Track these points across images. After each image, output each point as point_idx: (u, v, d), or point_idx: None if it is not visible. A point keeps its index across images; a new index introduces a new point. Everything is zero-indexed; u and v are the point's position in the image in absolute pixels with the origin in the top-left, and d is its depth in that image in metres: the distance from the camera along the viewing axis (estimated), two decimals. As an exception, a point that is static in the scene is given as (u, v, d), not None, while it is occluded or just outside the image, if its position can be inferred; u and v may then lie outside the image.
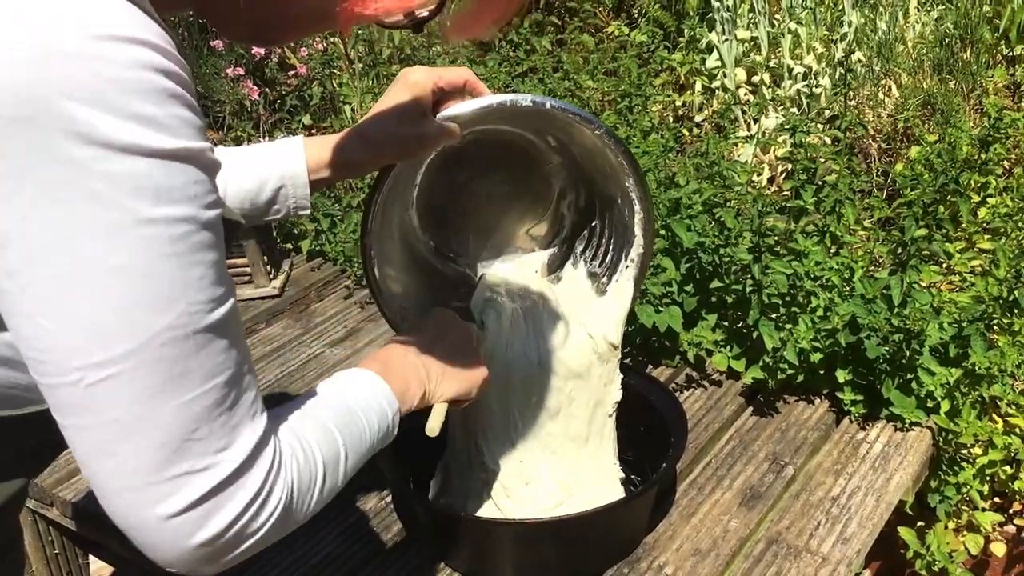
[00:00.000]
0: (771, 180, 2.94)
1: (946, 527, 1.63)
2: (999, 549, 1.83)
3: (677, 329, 1.71)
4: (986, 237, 2.12)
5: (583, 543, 1.31)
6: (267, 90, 3.40)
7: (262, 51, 3.38)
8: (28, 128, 0.54)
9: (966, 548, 1.66)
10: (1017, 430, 1.66)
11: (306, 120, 3.35)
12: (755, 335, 1.64)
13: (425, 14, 0.74)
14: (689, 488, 1.47)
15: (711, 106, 3.30)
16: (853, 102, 3.10)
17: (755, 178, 2.81)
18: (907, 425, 1.57)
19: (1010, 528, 1.86)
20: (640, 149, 2.02)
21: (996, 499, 1.82)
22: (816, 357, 1.59)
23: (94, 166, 0.56)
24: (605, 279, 1.35)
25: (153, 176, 0.57)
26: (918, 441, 1.55)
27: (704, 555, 1.33)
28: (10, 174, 0.55)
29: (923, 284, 1.71)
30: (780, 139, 2.74)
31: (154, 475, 0.62)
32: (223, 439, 0.64)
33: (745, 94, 3.28)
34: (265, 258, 2.17)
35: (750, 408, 1.66)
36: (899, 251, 1.72)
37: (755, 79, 3.31)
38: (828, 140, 2.53)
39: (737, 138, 2.43)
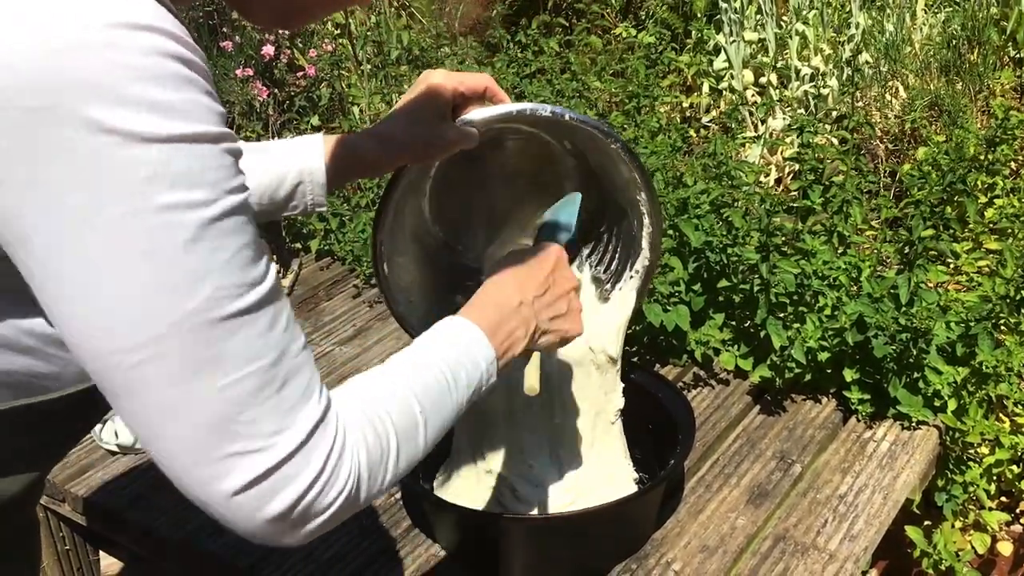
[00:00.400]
0: (778, 181, 2.94)
1: (953, 526, 1.64)
2: (1006, 548, 1.83)
3: (685, 328, 1.72)
4: (993, 237, 2.12)
5: (591, 539, 1.32)
6: (276, 91, 3.41)
7: (271, 52, 3.40)
8: (45, 119, 0.55)
9: (973, 547, 1.67)
10: (1024, 429, 1.67)
11: (315, 121, 3.36)
12: (763, 334, 1.65)
13: None
14: (697, 485, 1.47)
15: (718, 107, 3.31)
16: (860, 103, 3.10)
17: (762, 178, 2.82)
18: (914, 424, 1.57)
19: (1017, 527, 1.86)
20: (648, 149, 2.02)
21: (1003, 498, 1.83)
22: (823, 356, 1.60)
23: (112, 154, 0.56)
24: (609, 286, 1.36)
25: (172, 162, 0.57)
26: (925, 440, 1.55)
27: (712, 552, 1.34)
28: (29, 164, 0.56)
29: (930, 284, 1.71)
30: (787, 140, 2.75)
31: (206, 455, 0.62)
32: (276, 422, 0.64)
33: (752, 95, 3.29)
34: (274, 257, 2.19)
35: (757, 406, 1.66)
36: (906, 251, 1.72)
37: (762, 80, 3.31)
38: (835, 141, 2.53)
39: (744, 139, 2.44)
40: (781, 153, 2.92)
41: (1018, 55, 3.23)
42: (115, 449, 1.63)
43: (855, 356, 1.61)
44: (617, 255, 1.35)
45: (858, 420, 1.60)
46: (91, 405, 0.76)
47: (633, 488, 1.39)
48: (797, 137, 1.95)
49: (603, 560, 1.33)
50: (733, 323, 1.76)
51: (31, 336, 0.67)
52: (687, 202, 1.80)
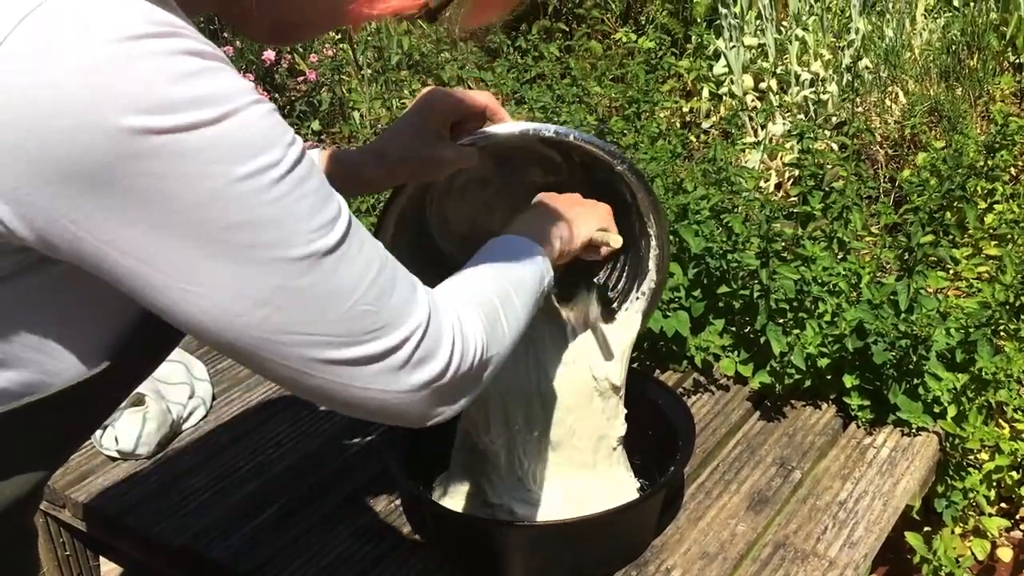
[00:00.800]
0: (778, 186, 2.95)
1: (953, 532, 1.64)
2: (1006, 554, 1.83)
3: (685, 334, 1.72)
4: (993, 243, 2.12)
5: (591, 546, 1.32)
6: (277, 96, 3.41)
7: (272, 57, 3.40)
8: (94, 146, 0.57)
9: (973, 553, 1.67)
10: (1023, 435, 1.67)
11: (315, 126, 3.37)
12: (762, 340, 1.65)
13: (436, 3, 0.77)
14: (697, 492, 1.47)
15: (718, 112, 3.31)
16: (860, 108, 3.11)
17: (762, 184, 2.82)
18: (914, 430, 1.57)
19: (1017, 534, 1.86)
20: (648, 155, 2.03)
21: (1003, 504, 1.83)
22: (823, 362, 1.60)
23: (172, 150, 0.59)
24: (615, 305, 1.36)
25: (229, 139, 0.61)
26: (925, 446, 1.55)
27: (712, 559, 1.34)
28: (94, 187, 0.59)
29: (930, 290, 1.71)
30: (787, 145, 2.75)
31: (359, 364, 0.70)
32: (402, 315, 0.72)
33: (752, 100, 3.29)
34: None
35: (757, 413, 1.66)
36: (906, 257, 1.72)
37: (762, 85, 3.32)
38: (835, 146, 2.53)
39: (744, 144, 2.44)
40: (781, 159, 2.92)
41: (1018, 60, 3.24)
42: (115, 455, 1.64)
43: (855, 362, 1.61)
44: (624, 274, 1.35)
45: (858, 426, 1.61)
46: (89, 402, 0.76)
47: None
48: (797, 143, 1.96)
49: (603, 567, 1.33)
50: (733, 329, 1.76)
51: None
52: (687, 208, 1.80)
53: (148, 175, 0.59)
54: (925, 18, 3.50)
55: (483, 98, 1.10)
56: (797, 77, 3.22)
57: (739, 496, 1.46)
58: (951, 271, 2.02)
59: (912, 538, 1.53)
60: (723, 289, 1.72)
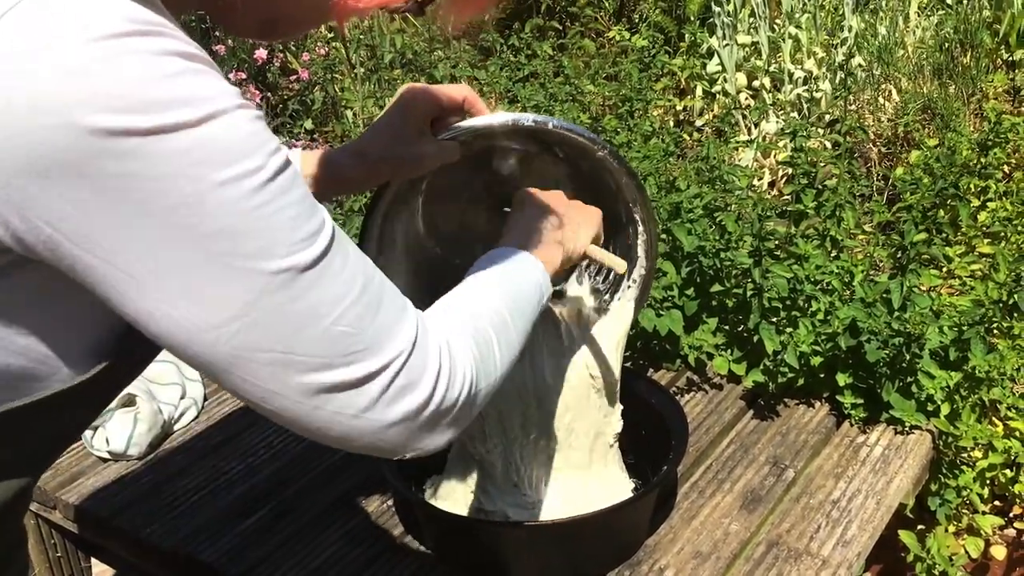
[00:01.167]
0: (772, 184, 2.95)
1: (946, 530, 1.64)
2: (999, 552, 1.83)
3: (678, 333, 1.71)
4: (986, 241, 2.12)
5: (584, 545, 1.32)
6: (269, 95, 3.41)
7: (264, 56, 3.40)
8: (73, 145, 0.56)
9: (966, 551, 1.67)
10: (1017, 433, 1.67)
11: (308, 125, 3.36)
12: (756, 339, 1.65)
13: None
14: (690, 491, 1.47)
15: (712, 110, 3.31)
16: (853, 106, 3.11)
17: (755, 182, 2.82)
18: (907, 428, 1.57)
19: (1010, 532, 1.86)
20: (641, 153, 2.02)
21: (996, 502, 1.83)
22: (816, 361, 1.60)
23: (150, 152, 0.58)
24: (607, 296, 1.35)
25: (210, 143, 0.59)
26: (918, 444, 1.55)
27: (705, 558, 1.33)
28: (72, 188, 0.57)
29: (923, 288, 1.71)
30: (780, 143, 2.75)
31: (332, 392, 0.66)
32: (384, 340, 0.68)
33: (746, 99, 3.29)
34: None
35: (751, 411, 1.66)
36: (899, 255, 1.72)
37: (756, 84, 3.32)
38: (828, 144, 2.53)
39: (738, 142, 2.44)
40: (774, 157, 2.92)
41: (1011, 58, 3.24)
42: (106, 456, 1.63)
43: (848, 360, 1.61)
44: None
45: (851, 425, 1.60)
46: (77, 406, 0.75)
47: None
48: (790, 141, 1.95)
49: (596, 566, 1.33)
50: (726, 328, 1.76)
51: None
52: (680, 206, 1.80)
53: (124, 176, 0.58)
54: (918, 16, 3.50)
55: (461, 91, 1.09)
56: (790, 75, 3.22)
57: (732, 495, 1.46)
58: (944, 269, 2.02)
59: (906, 536, 1.53)
60: (716, 288, 1.72)
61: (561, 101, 2.65)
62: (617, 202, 1.26)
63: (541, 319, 1.32)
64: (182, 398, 1.72)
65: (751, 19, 3.43)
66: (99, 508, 1.54)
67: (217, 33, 3.46)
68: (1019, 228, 2.03)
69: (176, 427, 1.71)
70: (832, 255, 1.79)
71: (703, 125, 3.26)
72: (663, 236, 1.77)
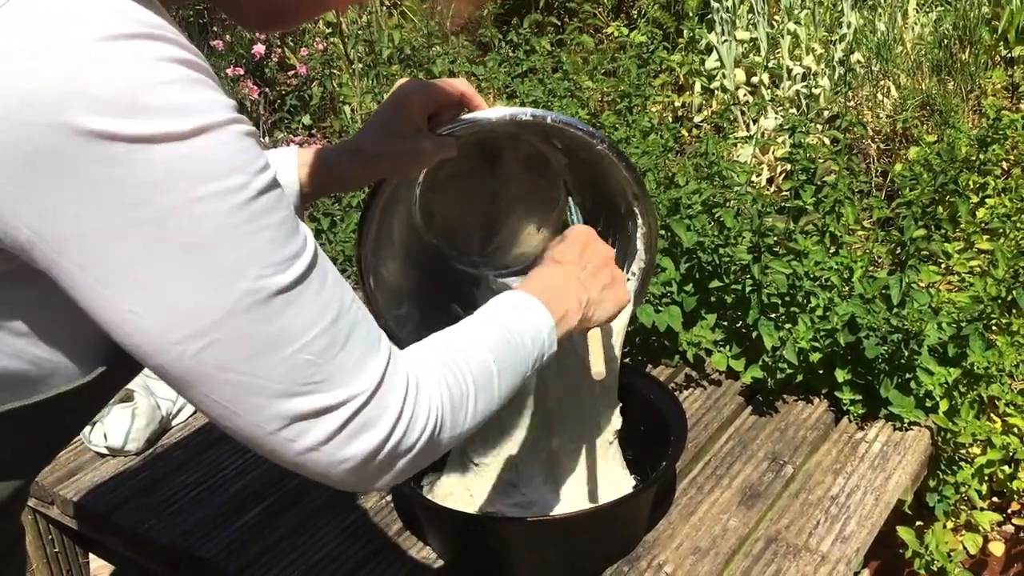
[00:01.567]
0: (770, 180, 2.94)
1: (945, 526, 1.64)
2: (997, 548, 1.83)
3: (677, 329, 1.71)
4: (985, 237, 2.12)
5: (583, 541, 1.32)
6: (267, 90, 3.40)
7: (262, 51, 3.39)
8: (59, 137, 0.55)
9: (964, 548, 1.67)
10: (1015, 430, 1.67)
11: (306, 120, 3.35)
12: (754, 335, 1.65)
13: None
14: (689, 487, 1.47)
15: (710, 107, 3.31)
16: (852, 103, 3.11)
17: (754, 178, 2.82)
18: (906, 425, 1.57)
19: (1008, 528, 1.86)
20: (640, 149, 2.02)
21: (994, 499, 1.83)
22: (815, 357, 1.60)
23: (134, 159, 0.57)
24: None
25: (197, 156, 0.58)
26: (917, 441, 1.55)
27: (704, 554, 1.33)
28: (54, 182, 0.56)
29: (922, 284, 1.71)
30: (779, 139, 2.75)
31: (285, 421, 0.65)
32: (348, 376, 0.67)
33: (744, 95, 3.29)
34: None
35: (749, 407, 1.66)
36: (898, 251, 1.72)
37: (754, 80, 3.31)
38: (827, 140, 2.53)
39: (736, 138, 2.43)
40: (773, 153, 2.92)
41: (1009, 55, 3.24)
42: (104, 451, 1.63)
43: (847, 357, 1.61)
44: (615, 254, 1.34)
45: (850, 421, 1.60)
46: (80, 405, 0.75)
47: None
48: (789, 137, 1.95)
49: (594, 562, 1.33)
50: (725, 324, 1.76)
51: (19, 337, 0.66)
52: (679, 202, 1.80)
53: (107, 181, 0.57)
54: (917, 12, 3.50)
55: (458, 85, 1.08)
56: (789, 71, 3.21)
57: (731, 491, 1.46)
58: (943, 265, 2.02)
59: (904, 532, 1.53)
60: (715, 284, 1.71)
61: (559, 97, 2.64)
62: (616, 195, 1.25)
63: None
64: (180, 393, 1.72)
65: (750, 15, 3.42)
66: (97, 503, 1.54)
67: (215, 29, 3.46)
68: (1018, 224, 2.03)
69: (174, 422, 1.70)
70: (831, 251, 1.79)
71: (702, 121, 3.26)
72: (662, 232, 1.76)
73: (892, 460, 1.51)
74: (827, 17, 3.41)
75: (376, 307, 1.25)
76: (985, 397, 1.62)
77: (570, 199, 1.24)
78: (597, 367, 1.05)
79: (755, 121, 3.08)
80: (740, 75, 3.32)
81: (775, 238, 1.72)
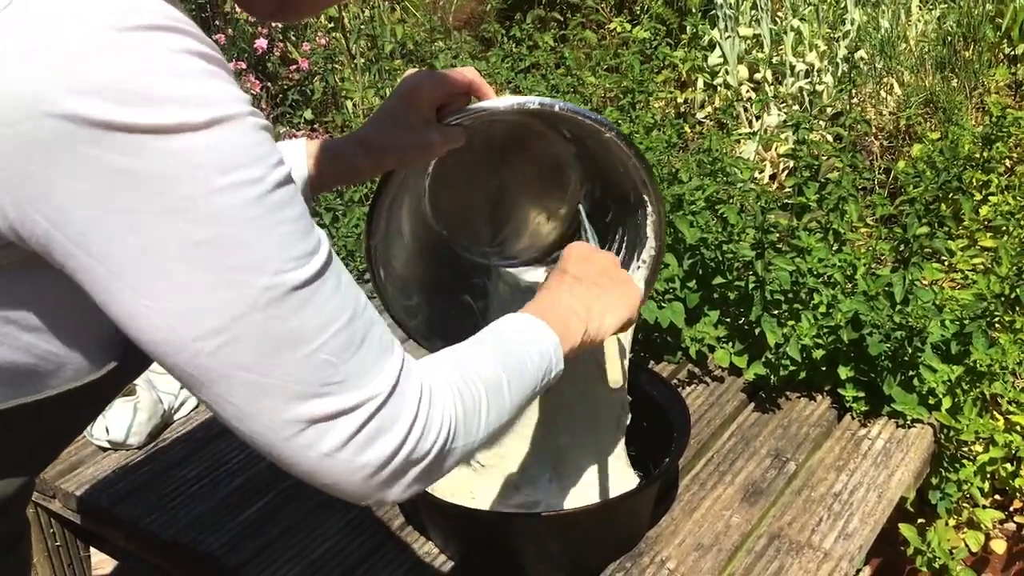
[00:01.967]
0: (773, 177, 2.94)
1: (947, 524, 1.64)
2: (999, 546, 1.83)
3: (680, 325, 1.71)
4: (988, 235, 2.12)
5: (585, 537, 1.31)
6: (269, 84, 3.40)
7: (264, 45, 3.38)
8: (73, 128, 0.55)
9: (967, 545, 1.67)
10: (1018, 427, 1.67)
11: (307, 115, 3.35)
12: (757, 331, 1.64)
13: None
14: (691, 483, 1.47)
15: (713, 103, 3.31)
16: (855, 100, 3.10)
17: (757, 175, 2.81)
18: (909, 422, 1.57)
19: (1010, 525, 1.86)
20: (643, 145, 2.01)
21: (997, 496, 1.83)
22: (818, 354, 1.59)
23: (152, 150, 0.56)
24: None
25: (214, 147, 0.58)
26: (919, 438, 1.55)
27: (706, 550, 1.33)
28: (67, 173, 0.56)
29: (925, 281, 1.71)
30: (783, 136, 2.74)
31: (302, 424, 0.64)
32: (364, 377, 0.66)
33: (747, 91, 3.28)
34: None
35: (752, 404, 1.66)
36: (901, 248, 1.72)
37: (757, 76, 3.31)
38: (831, 137, 2.53)
39: (739, 135, 2.43)
40: (776, 149, 2.92)
41: (1013, 52, 3.23)
42: (106, 445, 1.62)
43: (850, 354, 1.60)
44: (624, 244, 1.34)
45: (853, 418, 1.60)
46: (88, 401, 0.75)
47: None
48: (792, 133, 1.95)
49: (597, 558, 1.33)
50: (728, 320, 1.76)
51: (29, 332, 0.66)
52: (682, 198, 1.79)
53: (122, 172, 0.56)
54: (920, 9, 3.49)
55: (466, 75, 1.07)
56: (792, 68, 3.21)
57: (733, 487, 1.45)
58: (946, 263, 2.02)
59: (906, 530, 1.53)
60: (718, 280, 1.71)
61: (563, 92, 2.64)
62: (625, 183, 1.25)
63: None
64: (182, 388, 1.72)
65: (753, 11, 3.42)
66: (99, 497, 1.54)
67: (217, 23, 3.45)
68: (1021, 222, 2.02)
69: (176, 417, 1.70)
70: (834, 248, 1.79)
71: (704, 117, 3.25)
72: (666, 228, 1.76)
73: (895, 457, 1.51)
74: (831, 14, 3.41)
75: (386, 298, 1.25)
76: (988, 395, 1.62)
77: (585, 219, 1.25)
78: (614, 375, 1.04)
79: (758, 118, 3.08)
80: (743, 71, 3.32)
81: (778, 235, 1.71)
